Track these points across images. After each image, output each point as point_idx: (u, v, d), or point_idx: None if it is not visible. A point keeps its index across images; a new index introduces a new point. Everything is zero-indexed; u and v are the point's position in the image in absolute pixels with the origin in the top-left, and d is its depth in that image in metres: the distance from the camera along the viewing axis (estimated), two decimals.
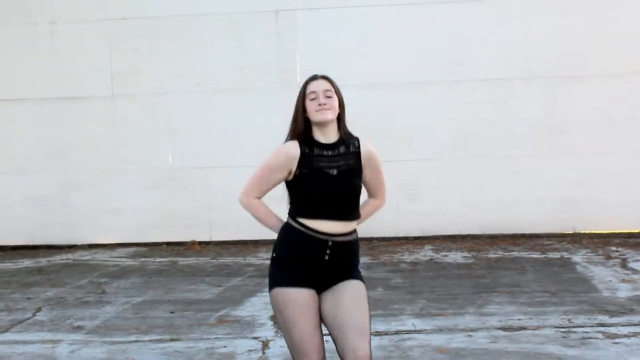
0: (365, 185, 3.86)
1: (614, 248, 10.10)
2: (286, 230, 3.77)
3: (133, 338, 6.32)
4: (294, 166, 3.73)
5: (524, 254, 9.90)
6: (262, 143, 11.38)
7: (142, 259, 10.55)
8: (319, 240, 3.68)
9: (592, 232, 11.19)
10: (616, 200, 11.19)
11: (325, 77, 3.81)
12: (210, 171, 11.82)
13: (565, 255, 9.72)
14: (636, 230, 11.15)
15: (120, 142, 11.91)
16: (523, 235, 11.18)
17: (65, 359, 5.79)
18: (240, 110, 11.66)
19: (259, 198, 3.90)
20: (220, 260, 10.26)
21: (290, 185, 3.79)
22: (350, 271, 3.78)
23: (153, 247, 11.55)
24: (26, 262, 10.64)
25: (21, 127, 12.05)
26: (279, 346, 5.90)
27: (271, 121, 11.55)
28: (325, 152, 3.73)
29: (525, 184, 11.28)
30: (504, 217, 11.36)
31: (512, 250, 10.20)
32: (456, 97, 11.34)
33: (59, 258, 10.90)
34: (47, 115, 12.01)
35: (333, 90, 3.77)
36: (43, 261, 10.68)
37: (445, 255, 9.99)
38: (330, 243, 3.69)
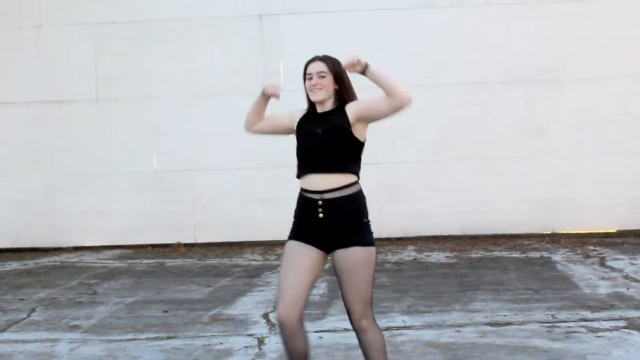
0: (377, 111, 4.10)
1: (592, 247, 10.37)
2: (298, 194, 4.22)
3: (130, 336, 6.45)
4: (294, 124, 4.29)
5: (505, 254, 10.13)
6: (247, 146, 11.71)
7: (129, 261, 10.67)
8: (310, 200, 4.09)
9: (570, 232, 11.47)
10: (593, 201, 11.48)
11: (322, 59, 4.24)
12: (195, 174, 11.98)
13: (545, 254, 9.96)
14: (613, 230, 11.44)
15: (106, 145, 12.03)
16: (503, 236, 11.44)
17: (65, 357, 5.91)
18: (226, 114, 11.81)
19: (265, 122, 4.46)
20: (207, 262, 10.40)
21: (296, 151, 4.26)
22: (350, 232, 4.04)
23: (139, 249, 11.68)
24: (14, 265, 10.72)
25: (6, 130, 12.13)
26: (274, 342, 6.07)
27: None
28: (317, 119, 4.20)
29: (506, 185, 11.54)
30: (484, 217, 11.60)
31: (493, 250, 10.44)
32: (438, 100, 11.58)
33: (46, 260, 10.99)
34: (32, 118, 12.10)
35: (328, 70, 4.17)
36: (30, 263, 10.77)
37: (429, 255, 10.21)
38: (320, 202, 4.04)
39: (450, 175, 11.62)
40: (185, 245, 11.75)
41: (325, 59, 4.21)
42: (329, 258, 4.20)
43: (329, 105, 4.20)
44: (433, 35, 11.57)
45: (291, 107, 12.24)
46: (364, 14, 11.70)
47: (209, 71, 11.88)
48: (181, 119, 11.91)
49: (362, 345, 4.21)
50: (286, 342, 4.12)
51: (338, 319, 6.66)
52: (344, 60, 4.09)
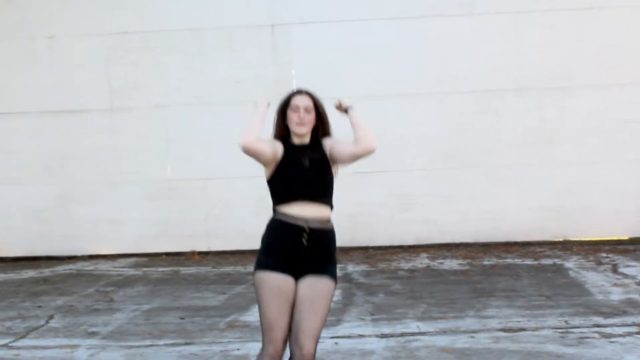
0: (343, 156, 4.25)
1: (604, 254, 10.41)
2: (270, 221, 4.26)
3: (148, 342, 6.55)
4: (278, 154, 4.25)
5: (518, 261, 10.19)
6: None
7: (145, 269, 10.76)
8: (296, 227, 4.14)
9: (582, 239, 11.50)
10: (605, 208, 11.51)
11: (309, 94, 4.33)
12: (208, 182, 12.06)
13: (558, 261, 10.01)
14: (625, 238, 11.47)
15: (119, 154, 12.12)
16: (515, 243, 11.48)
17: None
18: (237, 123, 11.76)
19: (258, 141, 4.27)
20: (221, 269, 10.48)
21: (271, 181, 4.27)
22: (325, 263, 4.17)
23: (153, 257, 11.75)
24: (30, 273, 10.83)
25: (21, 139, 12.23)
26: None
27: (267, 133, 11.84)
28: (297, 152, 4.26)
29: (517, 192, 11.58)
30: (496, 225, 11.65)
31: (506, 258, 10.49)
32: (448, 109, 11.64)
33: (61, 268, 11.09)
34: (46, 128, 12.21)
35: (312, 106, 4.28)
36: (46, 271, 10.87)
37: (441, 263, 10.27)
38: (307, 229, 4.12)
39: (461, 183, 11.67)
40: (199, 253, 11.83)
41: (311, 95, 4.32)
42: None
43: (306, 139, 4.31)
44: (442, 44, 11.64)
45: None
46: (374, 23, 11.78)
47: (220, 80, 11.98)
48: (193, 128, 12.00)
49: None
50: None
51: (353, 325, 6.75)
52: (331, 103, 4.25)
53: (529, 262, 10.09)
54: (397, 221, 11.69)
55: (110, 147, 12.12)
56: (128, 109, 12.13)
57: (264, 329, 4.11)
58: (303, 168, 4.19)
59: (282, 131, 4.33)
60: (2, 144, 12.26)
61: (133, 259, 11.62)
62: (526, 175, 11.61)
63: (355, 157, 4.23)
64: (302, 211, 4.14)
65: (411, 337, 6.37)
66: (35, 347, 6.52)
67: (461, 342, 6.19)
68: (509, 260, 10.23)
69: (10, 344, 6.69)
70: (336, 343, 6.25)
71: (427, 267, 10.00)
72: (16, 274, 10.74)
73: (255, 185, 11.88)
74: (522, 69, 11.59)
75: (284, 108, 4.32)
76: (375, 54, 11.69)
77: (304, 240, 4.11)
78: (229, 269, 10.51)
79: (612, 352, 5.73)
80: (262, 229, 12.43)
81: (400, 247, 11.58)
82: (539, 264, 9.92)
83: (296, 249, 4.11)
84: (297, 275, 4.14)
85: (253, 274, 4.19)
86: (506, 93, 11.65)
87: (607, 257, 10.15)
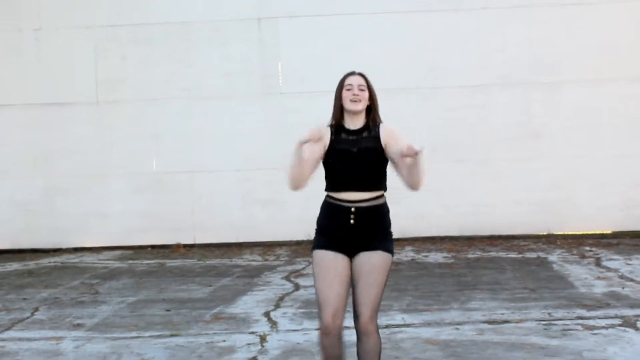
0: (396, 162, 4.29)
1: (587, 248, 10.48)
2: (322, 203, 4.40)
3: (134, 334, 6.55)
4: (326, 142, 4.33)
5: (502, 254, 10.25)
6: (246, 147, 11.82)
7: (130, 261, 10.76)
8: (343, 208, 4.26)
9: (567, 233, 11.57)
10: (589, 202, 11.59)
11: (361, 74, 4.40)
12: (194, 175, 12.06)
13: (542, 255, 10.08)
14: (608, 231, 11.56)
15: (106, 147, 12.10)
16: (500, 237, 11.54)
17: (71, 354, 6.02)
18: (225, 116, 11.92)
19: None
20: (207, 262, 10.50)
21: (324, 165, 4.38)
22: (376, 238, 4.26)
23: (138, 250, 11.76)
24: (15, 265, 10.81)
25: (7, 132, 12.20)
26: (276, 340, 6.19)
27: (254, 126, 11.87)
28: (350, 137, 4.34)
29: (503, 186, 11.65)
30: (481, 219, 11.71)
31: (490, 251, 10.55)
32: (436, 103, 11.69)
33: (46, 261, 11.07)
34: (32, 120, 12.17)
35: (366, 85, 4.37)
36: (31, 264, 10.85)
37: (426, 256, 10.32)
38: (353, 209, 4.24)
39: (448, 177, 11.70)
40: (185, 246, 11.84)
41: (364, 75, 4.42)
42: None
43: (360, 122, 4.37)
44: (430, 39, 11.68)
45: (290, 109, 12.29)
46: (362, 17, 11.81)
47: (208, 74, 11.97)
48: (181, 121, 12.00)
49: (361, 347, 4.33)
50: (326, 349, 4.29)
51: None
52: (406, 146, 4.15)
53: (513, 255, 10.15)
54: None
55: (97, 140, 12.11)
56: (116, 102, 12.11)
57: (318, 304, 4.27)
58: (350, 157, 4.28)
59: (339, 115, 4.39)
60: None
61: (119, 252, 11.62)
62: (512, 169, 11.67)
63: (404, 181, 4.30)
64: (349, 196, 4.27)
65: (396, 329, 6.41)
66: (20, 339, 6.52)
67: (446, 333, 6.23)
68: (493, 254, 10.30)
69: None
70: None
71: (412, 260, 10.05)
72: (1, 267, 10.73)
73: (241, 178, 11.99)
74: (510, 64, 11.64)
75: (340, 91, 4.39)
76: (362, 48, 11.69)
77: (351, 220, 4.23)
78: (214, 261, 10.53)
79: (595, 343, 5.79)
80: (248, 222, 12.43)
81: None
82: (523, 257, 9.98)
83: (345, 229, 4.25)
84: (350, 253, 4.28)
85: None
86: (493, 88, 11.70)
87: (591, 251, 10.23)
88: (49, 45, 12.16)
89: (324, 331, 4.24)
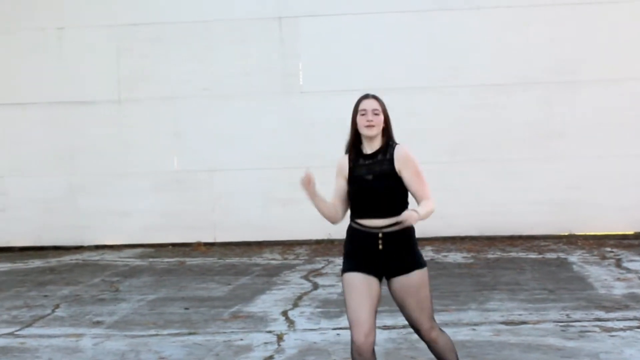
0: (409, 189, 4.35)
1: (608, 249, 10.42)
2: (348, 228, 4.44)
3: (152, 332, 6.62)
4: (346, 174, 4.41)
5: (522, 255, 10.22)
6: (266, 146, 11.86)
7: (150, 259, 10.84)
8: (371, 234, 4.30)
9: (587, 233, 11.50)
10: (610, 203, 11.51)
11: (375, 97, 4.44)
12: (214, 174, 12.12)
13: (562, 255, 10.04)
14: (630, 232, 11.48)
15: (127, 146, 12.19)
16: (520, 237, 11.49)
17: (90, 351, 6.09)
18: (245, 115, 11.96)
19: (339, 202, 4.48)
20: (226, 261, 10.55)
21: (347, 192, 4.44)
22: (408, 257, 4.31)
23: (159, 248, 11.83)
24: (37, 262, 10.92)
25: (30, 130, 12.31)
26: (293, 339, 6.22)
27: (274, 125, 11.91)
28: (365, 162, 4.38)
29: (522, 187, 11.59)
30: (501, 219, 11.66)
31: (510, 251, 10.52)
32: (456, 102, 11.65)
33: (68, 258, 11.18)
34: (55, 119, 12.28)
35: (380, 109, 4.40)
36: (53, 261, 10.96)
37: (446, 256, 10.31)
38: (380, 235, 4.26)
39: (467, 177, 11.68)
40: (205, 244, 11.90)
41: (378, 98, 4.44)
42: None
43: (376, 144, 4.40)
44: (450, 38, 11.65)
45: (310, 109, 12.35)
46: (383, 16, 11.80)
47: (228, 73, 12.02)
48: (201, 120, 12.06)
49: (435, 353, 4.47)
50: None
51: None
52: (403, 219, 4.17)
53: (533, 255, 10.11)
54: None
55: (118, 139, 12.19)
56: (136, 100, 12.19)
57: (350, 323, 4.30)
58: (365, 184, 4.31)
59: (355, 139, 4.43)
60: (11, 135, 12.35)
61: (139, 250, 11.70)
62: (532, 169, 11.62)
63: None
64: (373, 223, 4.29)
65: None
66: (41, 336, 6.60)
67: (462, 334, 6.23)
68: (513, 254, 10.26)
69: (16, 333, 6.77)
70: (338, 334, 6.30)
71: (432, 260, 10.03)
72: (23, 264, 10.84)
73: (261, 177, 12.03)
74: (530, 63, 11.59)
75: (355, 116, 4.40)
76: (382, 47, 11.71)
77: (379, 246, 4.28)
78: (234, 260, 10.58)
79: (612, 345, 5.77)
80: (268, 221, 12.47)
81: None
82: (543, 257, 9.94)
83: (374, 254, 4.29)
84: (380, 274, 4.32)
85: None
86: (513, 87, 11.65)
87: (612, 252, 10.17)
88: (71, 44, 12.26)
89: (357, 350, 4.24)
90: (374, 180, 4.31)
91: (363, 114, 4.37)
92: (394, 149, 4.38)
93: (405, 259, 4.30)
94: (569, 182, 11.56)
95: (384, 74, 11.62)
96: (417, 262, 4.34)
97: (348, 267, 4.35)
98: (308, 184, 4.32)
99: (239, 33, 12.03)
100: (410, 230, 4.33)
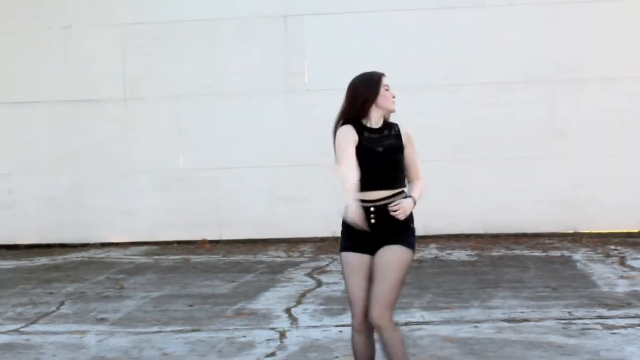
0: (406, 165, 4.46)
1: (612, 247, 10.42)
2: (345, 206, 4.38)
3: (156, 329, 6.66)
4: (356, 140, 4.37)
5: (526, 252, 10.22)
6: (270, 144, 11.89)
7: (156, 257, 10.88)
8: (364, 209, 4.27)
9: (592, 232, 11.51)
10: (615, 201, 11.50)
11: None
12: (220, 172, 12.14)
13: (566, 253, 10.04)
14: (634, 230, 11.47)
15: (132, 144, 12.23)
16: (525, 235, 11.50)
17: (93, 348, 6.13)
18: (249, 113, 11.99)
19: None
20: (231, 258, 10.58)
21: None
22: (398, 234, 4.31)
23: (164, 246, 11.87)
24: (43, 260, 10.97)
25: (35, 128, 12.36)
26: (295, 336, 6.25)
27: (279, 123, 11.93)
28: (373, 135, 4.42)
29: (527, 185, 11.60)
30: (506, 217, 11.67)
31: (515, 249, 10.53)
32: (460, 101, 11.66)
33: (74, 256, 11.23)
34: (60, 117, 12.33)
35: None
36: (59, 259, 11.01)
37: (450, 253, 10.33)
38: (372, 208, 4.30)
39: (472, 175, 11.69)
40: (210, 242, 11.94)
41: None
42: None
43: (381, 121, 4.48)
44: (453, 36, 11.66)
45: (315, 107, 12.37)
46: (387, 15, 11.81)
47: (233, 71, 12.05)
48: (206, 118, 12.09)
49: (381, 341, 4.41)
50: (357, 346, 4.43)
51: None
52: (399, 211, 4.27)
53: (537, 253, 10.12)
54: None
55: (123, 137, 12.23)
56: (141, 99, 12.23)
57: (349, 303, 4.43)
58: (376, 156, 4.36)
59: (362, 113, 4.45)
60: (17, 133, 12.40)
61: (145, 247, 11.75)
62: (537, 167, 11.62)
63: None
64: (374, 195, 4.32)
65: (415, 326, 6.44)
66: (45, 333, 6.65)
67: (464, 331, 6.25)
68: (518, 252, 10.27)
69: (21, 329, 6.82)
70: (340, 331, 6.33)
71: (436, 257, 10.06)
72: (29, 261, 10.90)
73: (266, 175, 12.06)
74: (534, 61, 11.58)
75: (376, 89, 4.46)
76: (387, 45, 11.70)
77: (372, 220, 4.30)
78: (239, 257, 10.61)
79: (613, 343, 5.78)
80: (273, 218, 12.51)
81: None
82: (547, 255, 9.95)
83: (367, 229, 4.29)
84: (373, 251, 4.36)
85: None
86: (518, 85, 11.65)
87: (616, 250, 10.17)
88: (77, 43, 12.30)
89: (356, 328, 4.38)
90: (384, 152, 4.37)
91: (387, 89, 4.48)
92: (397, 126, 4.50)
93: (394, 232, 4.31)
94: (573, 180, 11.55)
95: (388, 73, 11.54)
96: (404, 239, 4.33)
97: (344, 245, 4.44)
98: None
99: (243, 31, 12.06)
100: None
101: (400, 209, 4.25)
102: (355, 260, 4.37)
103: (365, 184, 4.32)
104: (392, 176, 4.37)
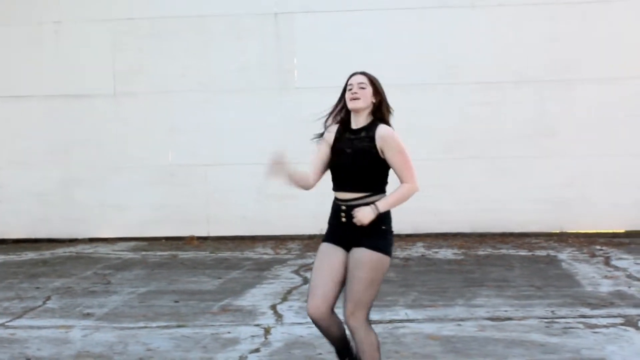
0: (392, 168, 4.42)
1: (598, 247, 10.49)
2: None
3: (141, 324, 6.68)
4: (330, 144, 4.51)
5: (512, 252, 10.28)
6: (260, 141, 11.90)
7: (143, 253, 10.90)
8: (337, 205, 4.44)
9: (579, 231, 11.57)
10: (602, 201, 11.58)
11: (363, 73, 4.55)
12: (209, 168, 12.17)
13: (552, 253, 10.11)
14: (621, 230, 11.55)
15: (122, 139, 12.23)
16: (512, 234, 11.57)
17: (79, 343, 6.15)
18: (240, 110, 12.01)
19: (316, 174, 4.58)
20: (218, 255, 10.61)
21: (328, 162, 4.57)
22: (366, 235, 4.31)
23: (152, 242, 11.89)
24: (30, 255, 10.98)
25: (26, 123, 12.36)
26: (280, 332, 6.29)
27: (269, 121, 11.96)
28: (349, 136, 4.45)
29: (516, 184, 11.65)
30: (494, 216, 11.73)
31: (501, 248, 10.58)
32: (450, 100, 11.71)
33: (61, 251, 11.24)
34: (51, 112, 12.33)
35: (367, 82, 4.47)
36: (47, 254, 11.02)
37: (436, 252, 10.37)
38: (344, 207, 4.37)
39: (461, 174, 11.74)
40: (198, 238, 11.96)
41: (365, 73, 4.54)
42: None
43: (362, 121, 4.44)
44: (445, 35, 11.70)
45: (305, 104, 12.41)
46: (378, 13, 11.84)
47: (224, 68, 12.07)
48: (196, 115, 12.11)
49: (355, 342, 4.46)
50: (322, 331, 4.50)
51: (342, 312, 6.84)
52: (357, 218, 4.28)
53: (523, 252, 10.18)
54: (395, 210, 11.71)
55: (113, 132, 12.24)
56: (132, 94, 12.24)
57: (309, 287, 4.49)
58: (344, 157, 4.41)
59: (345, 116, 4.52)
60: (8, 128, 12.40)
61: (133, 243, 11.76)
62: (525, 166, 11.68)
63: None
64: (344, 195, 4.40)
65: (399, 324, 6.48)
66: (31, 327, 6.66)
67: (447, 329, 6.30)
68: (504, 251, 10.33)
69: (6, 324, 6.83)
70: None
71: (422, 255, 10.11)
72: (17, 256, 10.90)
73: (256, 172, 12.00)
74: (524, 61, 11.64)
75: (343, 93, 4.51)
76: (378, 44, 11.74)
77: (342, 218, 4.37)
78: (226, 254, 10.64)
79: (594, 342, 5.84)
80: (261, 215, 12.53)
81: (397, 235, 11.56)
82: (532, 255, 10.01)
83: (339, 226, 4.41)
84: (347, 248, 4.41)
85: None
86: (508, 85, 11.71)
87: (601, 250, 10.24)
88: (67, 38, 12.30)
89: (310, 317, 4.43)
90: (352, 155, 4.38)
91: (350, 89, 4.45)
92: (378, 128, 4.39)
93: (363, 235, 4.31)
94: (561, 180, 11.62)
95: (379, 71, 11.43)
96: (372, 242, 4.31)
97: (324, 236, 4.54)
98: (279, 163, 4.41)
99: (235, 28, 12.08)
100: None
101: (358, 215, 4.24)
102: (329, 248, 4.45)
103: (337, 184, 4.45)
104: (358, 178, 4.37)
